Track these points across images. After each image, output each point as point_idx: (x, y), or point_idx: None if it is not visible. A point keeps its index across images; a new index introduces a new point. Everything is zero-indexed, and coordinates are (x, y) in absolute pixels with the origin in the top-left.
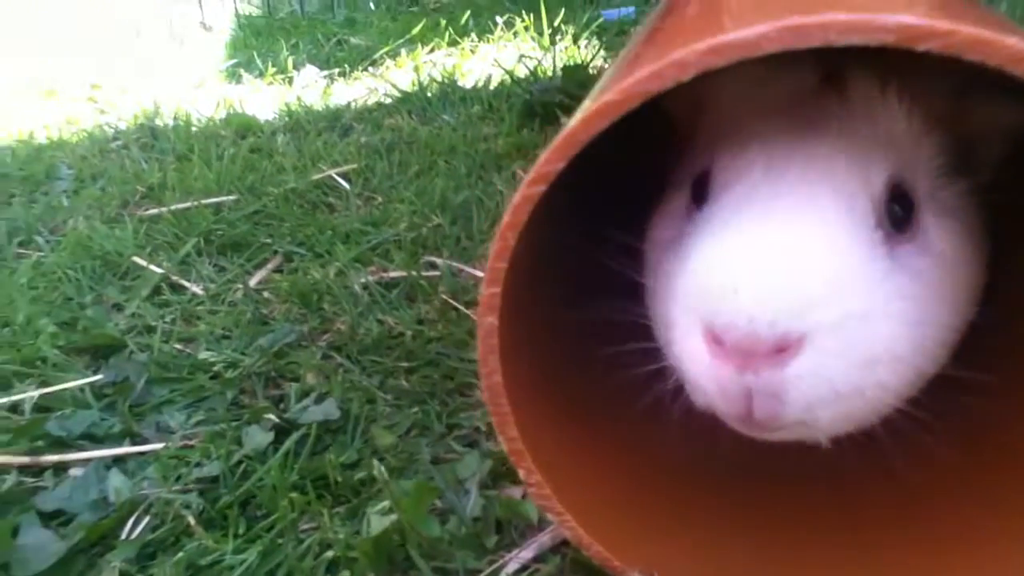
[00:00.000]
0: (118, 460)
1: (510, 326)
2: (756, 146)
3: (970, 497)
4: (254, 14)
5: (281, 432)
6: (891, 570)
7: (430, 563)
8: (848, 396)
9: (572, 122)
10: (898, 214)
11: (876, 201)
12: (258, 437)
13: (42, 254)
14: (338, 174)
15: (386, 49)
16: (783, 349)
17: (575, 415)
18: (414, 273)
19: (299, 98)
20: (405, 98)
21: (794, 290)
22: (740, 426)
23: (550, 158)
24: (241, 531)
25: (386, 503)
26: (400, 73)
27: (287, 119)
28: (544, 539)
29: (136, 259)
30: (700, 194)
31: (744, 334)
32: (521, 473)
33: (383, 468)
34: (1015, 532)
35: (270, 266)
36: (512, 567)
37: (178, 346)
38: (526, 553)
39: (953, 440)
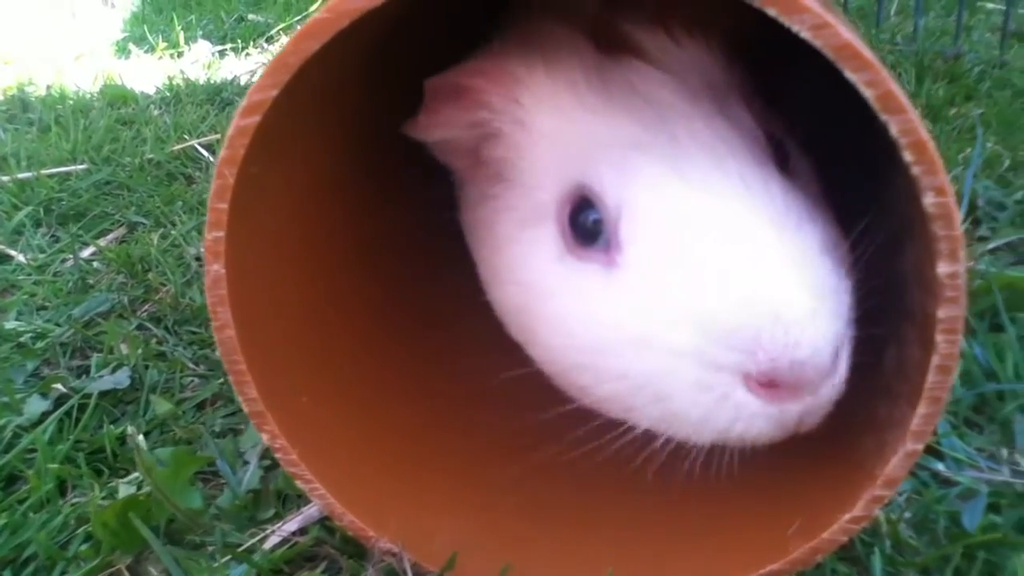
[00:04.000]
0: None
1: (259, 282)
2: (638, 161)
3: None
4: None
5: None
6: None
7: (186, 536)
8: None
9: (284, 47)
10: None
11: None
12: (35, 406)
13: None
14: (201, 144)
15: (283, 25)
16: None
17: (340, 388)
18: None
19: (182, 72)
20: None
21: (828, 311)
22: None
23: (262, 85)
24: None
25: (137, 474)
26: None
27: (167, 93)
28: (312, 511)
29: None
30: (586, 231)
31: (811, 366)
32: (264, 437)
33: (141, 437)
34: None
35: (110, 237)
36: (273, 540)
37: None
38: (290, 525)
39: None
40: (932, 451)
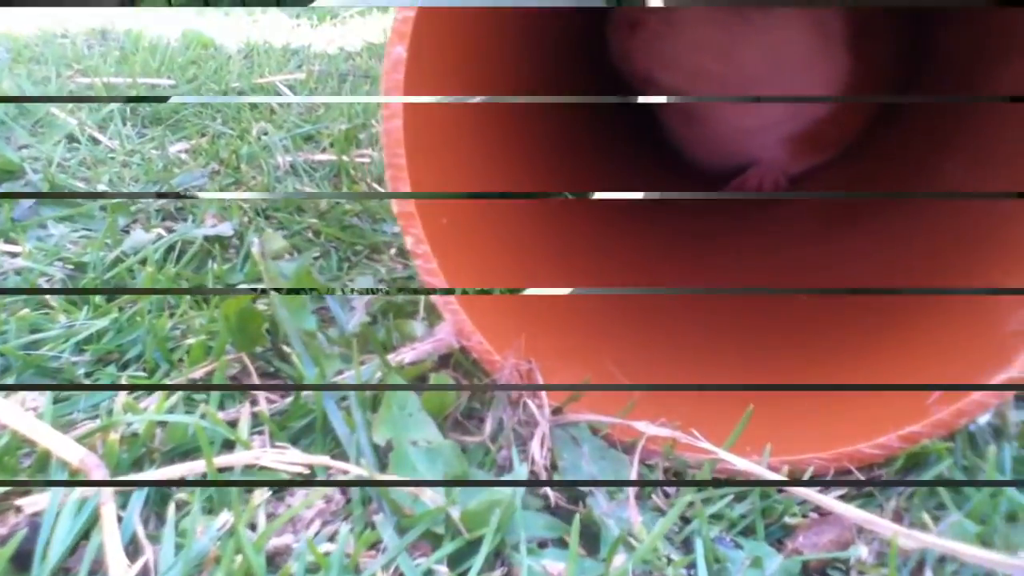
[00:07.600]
0: None
1: (430, 79)
2: None
3: None
4: None
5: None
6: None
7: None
8: None
9: None
10: None
11: None
12: (139, 237)
13: None
14: (283, 82)
15: None
16: None
17: (480, 218)
18: (344, 158)
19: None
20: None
21: None
22: None
23: None
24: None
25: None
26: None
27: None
28: (426, 347)
29: (54, 110)
30: None
31: None
32: (408, 241)
33: (262, 251)
34: None
35: (197, 140)
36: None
37: (76, 182)
38: (403, 356)
39: None
40: None
